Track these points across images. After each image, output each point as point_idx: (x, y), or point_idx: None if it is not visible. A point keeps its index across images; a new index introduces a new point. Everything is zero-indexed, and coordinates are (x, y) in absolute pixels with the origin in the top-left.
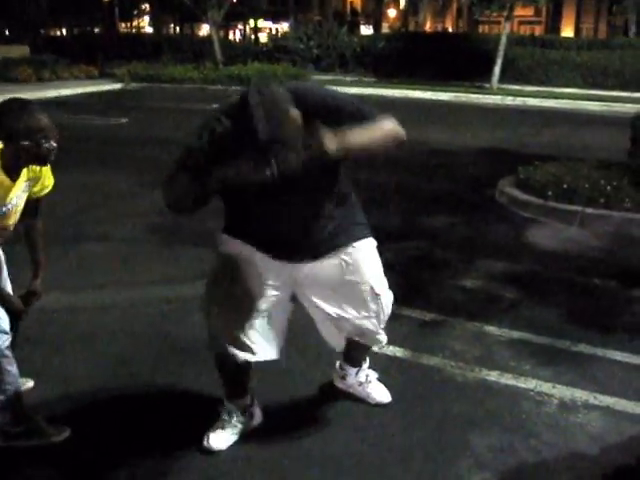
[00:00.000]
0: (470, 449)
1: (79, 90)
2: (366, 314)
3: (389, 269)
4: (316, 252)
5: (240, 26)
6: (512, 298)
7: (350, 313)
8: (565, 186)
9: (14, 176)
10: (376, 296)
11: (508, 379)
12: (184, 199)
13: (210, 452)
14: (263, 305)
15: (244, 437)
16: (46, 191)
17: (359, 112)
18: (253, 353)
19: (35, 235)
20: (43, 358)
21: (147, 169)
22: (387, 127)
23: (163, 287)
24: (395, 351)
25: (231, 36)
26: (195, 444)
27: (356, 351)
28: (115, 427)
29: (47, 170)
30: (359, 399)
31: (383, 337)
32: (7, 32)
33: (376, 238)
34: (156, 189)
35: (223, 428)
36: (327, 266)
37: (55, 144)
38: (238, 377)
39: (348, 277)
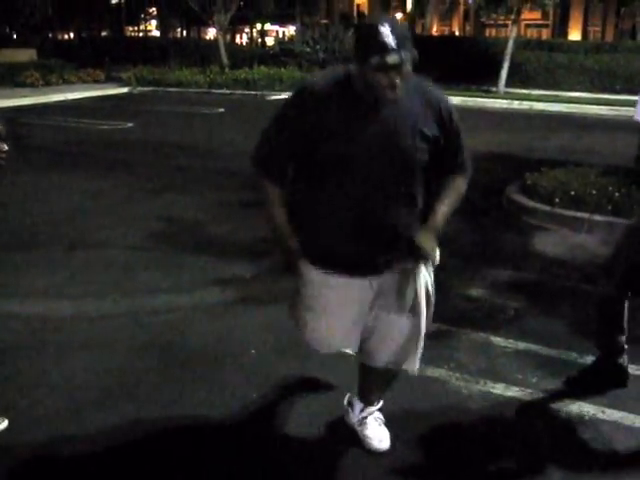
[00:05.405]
0: (472, 464)
1: (85, 94)
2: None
3: None
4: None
5: (246, 29)
6: (518, 308)
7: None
8: (572, 193)
9: None
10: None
11: (514, 392)
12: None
13: None
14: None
15: None
16: None
17: (457, 159)
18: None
19: None
20: (42, 368)
21: (151, 174)
22: (462, 192)
23: (165, 296)
24: None
25: (237, 40)
26: (194, 452)
27: (375, 384)
28: (117, 439)
29: None
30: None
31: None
32: (15, 36)
33: None
34: (159, 195)
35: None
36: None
37: (6, 147)
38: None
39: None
